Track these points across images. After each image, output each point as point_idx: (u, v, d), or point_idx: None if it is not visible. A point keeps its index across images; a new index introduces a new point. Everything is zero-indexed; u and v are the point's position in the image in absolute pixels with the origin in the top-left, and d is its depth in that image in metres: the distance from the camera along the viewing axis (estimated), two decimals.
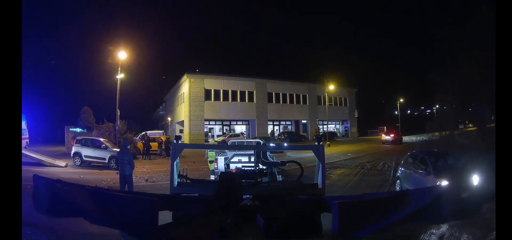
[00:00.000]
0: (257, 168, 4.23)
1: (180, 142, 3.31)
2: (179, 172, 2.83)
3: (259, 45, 72.74)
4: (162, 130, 31.98)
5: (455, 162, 6.87)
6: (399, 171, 8.10)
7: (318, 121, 35.40)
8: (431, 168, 6.35)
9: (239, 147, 8.11)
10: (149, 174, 11.32)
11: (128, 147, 7.94)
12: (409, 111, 54.81)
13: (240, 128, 32.98)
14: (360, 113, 38.04)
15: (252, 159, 6.28)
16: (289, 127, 35.57)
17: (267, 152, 6.52)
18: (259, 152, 5.21)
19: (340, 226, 1.29)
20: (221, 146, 13.24)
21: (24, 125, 17.19)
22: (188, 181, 2.86)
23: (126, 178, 7.33)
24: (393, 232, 1.41)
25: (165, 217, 1.70)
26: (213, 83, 30.12)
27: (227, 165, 3.80)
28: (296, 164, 3.57)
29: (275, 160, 4.99)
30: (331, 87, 31.84)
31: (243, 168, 3.61)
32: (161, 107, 47.28)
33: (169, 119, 37.86)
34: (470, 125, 16.96)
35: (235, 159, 6.59)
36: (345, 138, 36.77)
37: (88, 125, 19.49)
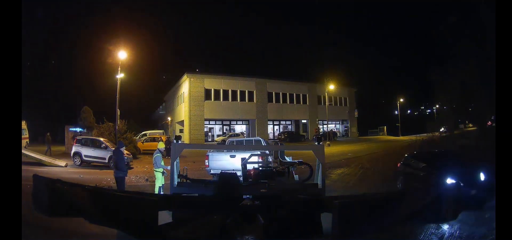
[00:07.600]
0: (275, 168, 4.25)
1: (180, 142, 3.31)
2: (179, 172, 2.83)
3: (259, 45, 72.78)
4: (162, 129, 32.02)
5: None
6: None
7: (318, 120, 35.39)
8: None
9: (240, 146, 8.07)
10: (149, 174, 11.31)
11: (122, 149, 7.75)
12: (409, 111, 54.81)
13: (240, 128, 32.97)
14: (360, 113, 38.02)
15: (256, 158, 6.31)
16: (289, 126, 35.57)
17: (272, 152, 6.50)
18: (277, 152, 5.23)
19: (340, 226, 1.29)
20: (224, 146, 13.22)
21: (24, 125, 17.20)
22: (188, 181, 2.86)
23: (115, 180, 7.32)
24: (393, 232, 1.41)
25: (165, 217, 1.69)
26: (213, 83, 30.11)
27: (244, 165, 3.84)
28: (307, 165, 3.61)
29: (292, 160, 5.03)
30: (331, 87, 31.83)
31: (260, 168, 3.64)
32: (161, 107, 47.23)
33: (169, 119, 37.84)
34: (470, 124, 16.95)
35: (236, 157, 6.52)
36: (345, 138, 36.75)
37: (88, 125, 19.51)
